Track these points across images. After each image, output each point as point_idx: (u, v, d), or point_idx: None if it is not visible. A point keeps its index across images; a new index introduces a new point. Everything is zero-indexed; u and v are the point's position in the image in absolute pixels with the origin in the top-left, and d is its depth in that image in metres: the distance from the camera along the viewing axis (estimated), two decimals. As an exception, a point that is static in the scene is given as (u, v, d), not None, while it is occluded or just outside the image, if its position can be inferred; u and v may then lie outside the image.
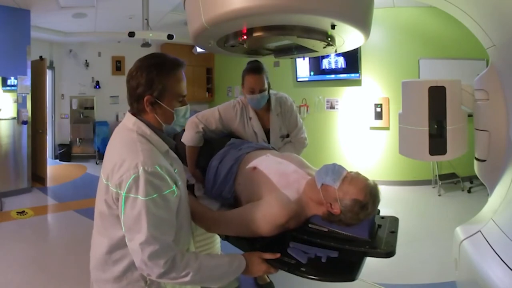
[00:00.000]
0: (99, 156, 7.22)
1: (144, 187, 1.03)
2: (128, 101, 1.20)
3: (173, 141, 1.27)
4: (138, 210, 1.03)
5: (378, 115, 5.41)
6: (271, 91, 2.21)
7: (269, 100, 2.16)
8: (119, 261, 1.13)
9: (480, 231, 1.59)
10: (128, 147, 1.11)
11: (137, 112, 1.19)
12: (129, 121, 1.19)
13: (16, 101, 4.99)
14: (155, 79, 1.13)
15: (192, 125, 2.02)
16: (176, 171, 1.18)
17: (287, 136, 2.26)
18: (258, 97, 2.03)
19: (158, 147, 1.16)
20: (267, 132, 2.17)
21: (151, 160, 1.07)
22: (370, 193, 1.31)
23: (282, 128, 2.20)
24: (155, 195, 1.04)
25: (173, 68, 1.17)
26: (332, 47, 1.76)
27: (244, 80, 2.06)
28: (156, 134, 1.17)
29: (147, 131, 1.16)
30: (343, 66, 5.61)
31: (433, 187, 5.09)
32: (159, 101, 1.15)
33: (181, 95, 1.20)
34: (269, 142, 2.14)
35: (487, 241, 1.50)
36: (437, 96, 1.75)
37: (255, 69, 2.03)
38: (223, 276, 1.19)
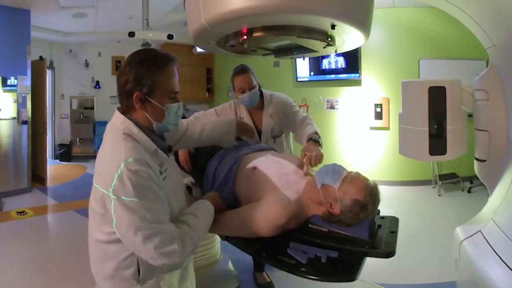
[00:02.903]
0: (99, 156, 7.21)
1: (129, 186, 1.01)
2: (118, 98, 1.17)
3: (163, 142, 1.23)
4: (128, 211, 1.01)
5: (378, 115, 5.41)
6: (267, 92, 2.25)
7: (263, 101, 2.20)
8: (111, 259, 1.13)
9: (480, 231, 1.59)
10: (114, 148, 1.09)
11: (126, 110, 1.16)
12: (117, 119, 1.16)
13: (16, 101, 4.99)
14: (144, 74, 1.10)
15: (190, 117, 2.11)
16: (166, 170, 1.15)
17: (281, 135, 2.26)
18: (249, 95, 2.10)
19: (145, 147, 1.12)
20: (260, 133, 2.19)
21: (134, 157, 1.04)
22: (370, 194, 1.31)
23: (274, 128, 2.20)
24: (141, 192, 1.02)
25: (163, 63, 1.13)
26: (332, 47, 1.76)
27: (234, 83, 2.14)
28: (144, 133, 1.14)
29: (135, 130, 1.12)
30: (343, 66, 5.62)
31: (433, 187, 5.09)
32: (148, 98, 1.12)
33: (173, 91, 1.16)
34: (260, 142, 2.16)
35: (487, 241, 1.50)
36: (437, 96, 1.75)
37: (240, 70, 2.13)
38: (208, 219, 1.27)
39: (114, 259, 1.12)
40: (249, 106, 2.17)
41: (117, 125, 1.14)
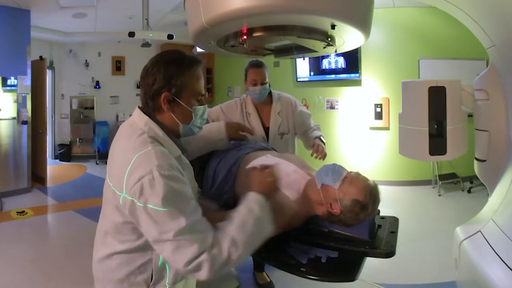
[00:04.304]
0: (99, 156, 7.22)
1: (164, 191, 0.96)
2: (142, 100, 1.12)
3: (185, 147, 1.19)
4: (163, 216, 0.96)
5: (378, 115, 5.41)
6: (275, 91, 2.29)
7: (271, 98, 2.24)
8: (125, 265, 1.10)
9: (480, 231, 1.59)
10: (140, 151, 1.01)
11: (152, 111, 1.11)
12: (140, 120, 1.10)
13: (16, 101, 4.99)
14: (173, 75, 1.07)
15: None
16: (187, 175, 1.12)
17: (288, 133, 2.28)
18: (260, 89, 2.15)
19: (171, 151, 1.08)
20: (266, 129, 2.22)
21: (166, 163, 1.00)
22: (370, 194, 1.31)
23: (281, 126, 2.24)
24: (175, 197, 0.98)
25: (192, 65, 1.11)
26: (332, 47, 1.76)
27: (247, 74, 2.18)
28: (169, 137, 1.10)
29: (160, 133, 1.09)
30: (343, 66, 5.62)
31: (433, 187, 5.09)
32: (177, 99, 1.09)
33: (200, 93, 1.15)
34: (267, 139, 2.19)
35: (487, 241, 1.50)
36: (437, 96, 1.75)
37: (257, 64, 2.18)
38: (257, 227, 1.08)
39: (129, 267, 1.09)
40: (257, 100, 2.21)
41: (139, 125, 1.09)
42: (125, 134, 1.12)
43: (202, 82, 1.15)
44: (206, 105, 1.18)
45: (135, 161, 1.00)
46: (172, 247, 0.97)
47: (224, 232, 1.04)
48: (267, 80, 2.17)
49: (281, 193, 1.39)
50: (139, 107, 1.15)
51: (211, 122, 2.20)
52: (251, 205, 1.12)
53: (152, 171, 0.97)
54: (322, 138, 2.11)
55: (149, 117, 1.10)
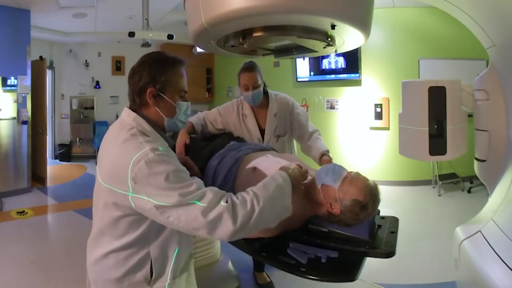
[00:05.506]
0: (99, 156, 7.22)
1: (163, 166, 1.01)
2: (130, 97, 1.20)
3: (172, 141, 1.25)
4: (168, 188, 1.00)
5: (378, 115, 5.41)
6: (272, 92, 2.26)
7: (268, 100, 2.22)
8: (123, 263, 1.11)
9: (480, 231, 1.59)
10: (131, 144, 1.07)
11: (138, 107, 1.19)
12: (128, 117, 1.17)
13: (16, 101, 4.99)
14: (158, 72, 1.16)
15: (193, 116, 2.15)
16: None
17: (284, 135, 2.26)
18: (252, 94, 2.12)
19: (159, 144, 1.13)
20: (263, 131, 2.21)
21: (158, 146, 1.07)
22: (370, 194, 1.31)
23: (277, 128, 2.22)
24: (174, 170, 1.03)
25: (175, 64, 1.20)
26: (332, 47, 1.76)
27: (239, 78, 2.16)
28: (156, 131, 1.17)
29: (147, 127, 1.16)
30: (343, 66, 5.62)
31: (433, 187, 5.09)
32: (161, 94, 1.16)
33: (183, 90, 1.22)
34: (263, 141, 2.18)
35: (487, 241, 1.50)
36: (437, 96, 1.75)
37: (248, 67, 2.14)
38: (278, 191, 1.13)
39: (127, 264, 1.11)
40: (251, 104, 2.19)
41: (128, 121, 1.16)
42: (114, 131, 1.18)
43: (185, 80, 1.23)
44: (189, 102, 1.25)
45: (127, 152, 1.05)
46: (186, 207, 0.99)
47: (245, 191, 1.11)
48: (259, 83, 2.12)
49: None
50: (127, 107, 1.22)
51: (209, 124, 2.19)
52: (274, 175, 1.20)
53: (147, 153, 1.03)
54: (329, 156, 2.00)
55: (137, 113, 1.17)
